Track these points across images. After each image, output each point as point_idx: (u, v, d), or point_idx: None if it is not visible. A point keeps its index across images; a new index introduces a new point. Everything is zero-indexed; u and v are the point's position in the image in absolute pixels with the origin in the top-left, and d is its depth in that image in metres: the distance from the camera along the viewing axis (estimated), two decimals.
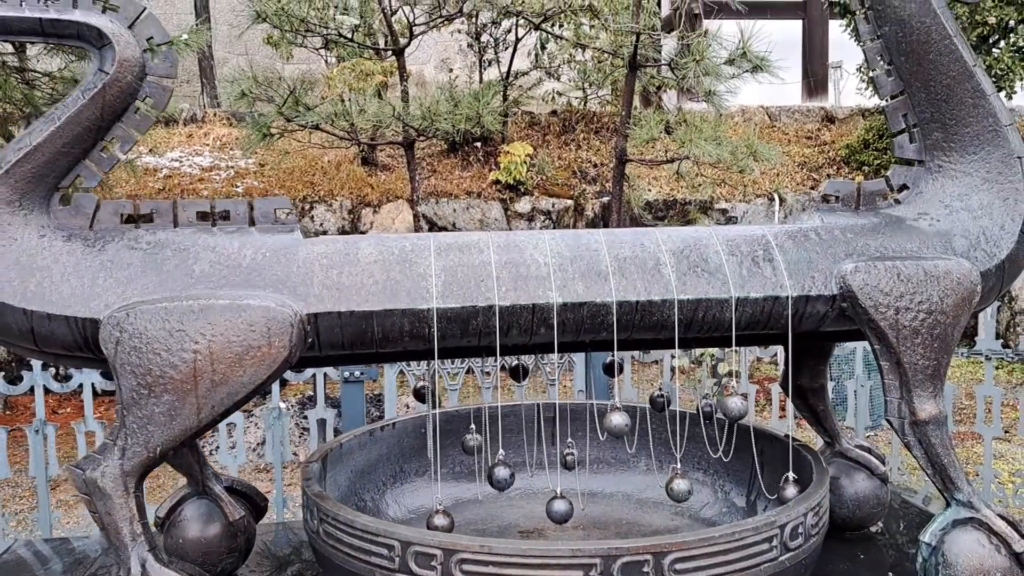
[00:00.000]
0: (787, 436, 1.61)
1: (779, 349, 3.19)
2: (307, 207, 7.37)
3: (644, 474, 1.86)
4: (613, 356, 1.50)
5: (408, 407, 4.03)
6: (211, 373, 1.26)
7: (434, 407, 1.71)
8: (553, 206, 7.70)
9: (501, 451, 1.46)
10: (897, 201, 1.61)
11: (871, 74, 1.64)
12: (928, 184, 1.60)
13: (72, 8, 1.39)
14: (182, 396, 1.26)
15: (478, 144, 7.78)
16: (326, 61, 8.15)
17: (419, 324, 1.36)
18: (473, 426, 1.73)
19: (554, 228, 7.72)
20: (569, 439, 1.74)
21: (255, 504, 1.71)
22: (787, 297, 1.41)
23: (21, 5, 1.37)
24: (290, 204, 1.48)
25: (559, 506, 1.37)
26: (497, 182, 7.83)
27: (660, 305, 1.39)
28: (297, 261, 1.37)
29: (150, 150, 7.81)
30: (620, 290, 1.39)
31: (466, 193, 7.83)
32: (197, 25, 8.40)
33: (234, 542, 1.61)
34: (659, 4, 7.51)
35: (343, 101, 5.57)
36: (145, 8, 1.42)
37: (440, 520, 1.35)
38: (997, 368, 4.24)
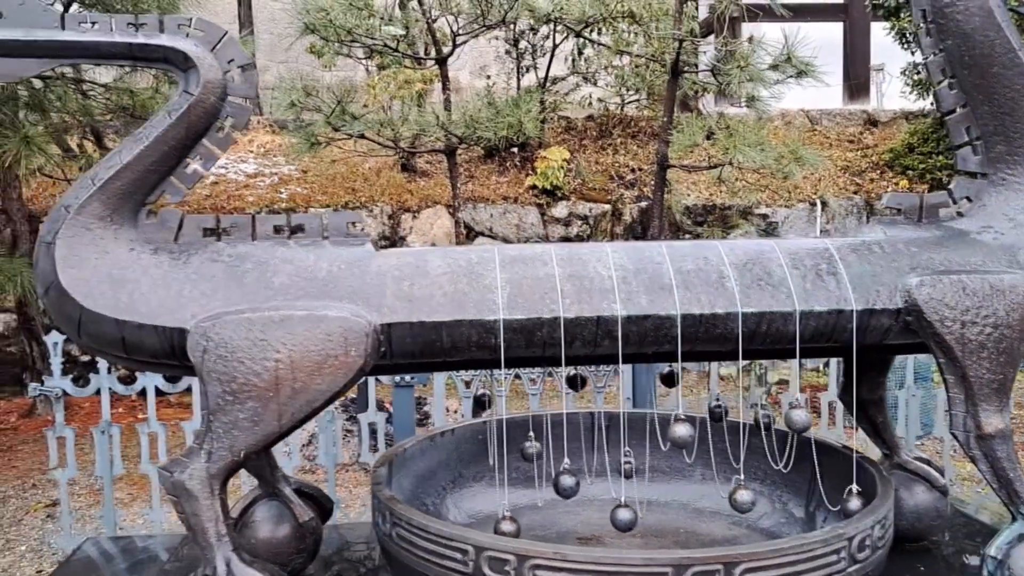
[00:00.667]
0: (848, 448, 1.62)
1: (827, 359, 3.17)
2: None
3: (700, 483, 1.87)
4: (677, 366, 1.52)
5: (448, 411, 4.08)
6: (292, 381, 1.32)
7: (491, 414, 1.75)
8: (590, 211, 7.72)
9: (566, 460, 1.49)
10: (960, 214, 1.61)
11: (935, 87, 1.64)
12: (992, 197, 1.60)
13: (159, 33, 1.46)
14: (265, 403, 1.32)
15: (515, 149, 7.82)
16: (367, 69, 8.27)
17: (486, 335, 1.40)
18: (532, 433, 1.77)
19: (591, 233, 7.74)
20: (626, 447, 1.77)
21: (322, 506, 1.77)
22: (851, 311, 1.43)
23: (112, 30, 1.44)
24: (361, 217, 1.54)
25: (623, 515, 1.40)
26: (534, 187, 7.87)
27: (724, 318, 1.42)
28: (370, 273, 1.42)
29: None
30: (684, 303, 1.41)
31: (503, 198, 7.89)
32: (243, 36, 8.59)
33: (303, 543, 1.66)
34: (696, 8, 7.49)
35: (385, 110, 5.66)
36: (227, 32, 1.49)
37: (507, 526, 1.39)
38: None
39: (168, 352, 1.39)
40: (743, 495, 1.41)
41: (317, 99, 4.85)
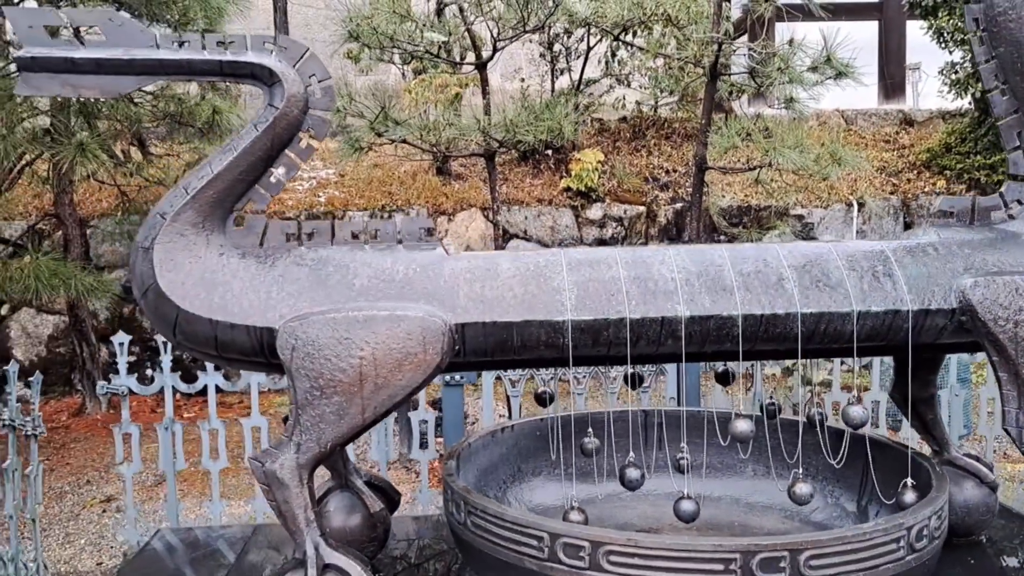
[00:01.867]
0: (901, 444, 1.67)
1: (870, 358, 3.19)
2: (385, 215, 7.61)
3: (752, 479, 1.93)
4: (737, 365, 1.59)
5: (498, 414, 4.16)
6: (375, 377, 1.41)
7: (552, 410, 1.82)
8: (625, 212, 7.76)
9: (632, 453, 1.56)
10: (1012, 217, 1.65)
11: (988, 92, 1.68)
12: None
13: (246, 51, 1.55)
14: (350, 397, 1.41)
15: (549, 152, 7.90)
16: (403, 74, 8.40)
17: (554, 334, 1.47)
18: (591, 429, 1.84)
19: (626, 235, 7.78)
20: (683, 443, 1.83)
21: (390, 498, 1.86)
22: (907, 311, 1.48)
23: (203, 49, 1.54)
24: (431, 223, 1.62)
25: (686, 506, 1.46)
26: (568, 189, 7.94)
27: (784, 318, 1.48)
28: (444, 275, 1.50)
29: None
30: (745, 304, 1.47)
31: (537, 200, 7.96)
32: None
33: (374, 532, 1.75)
34: (729, 8, 7.50)
35: (423, 115, 5.77)
36: (308, 49, 1.58)
37: (576, 516, 1.46)
38: None
39: (258, 350, 1.49)
40: (802, 488, 1.46)
41: (360, 105, 4.96)
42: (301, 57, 1.57)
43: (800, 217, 7.15)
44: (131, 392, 2.85)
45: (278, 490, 1.42)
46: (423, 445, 3.03)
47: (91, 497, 4.53)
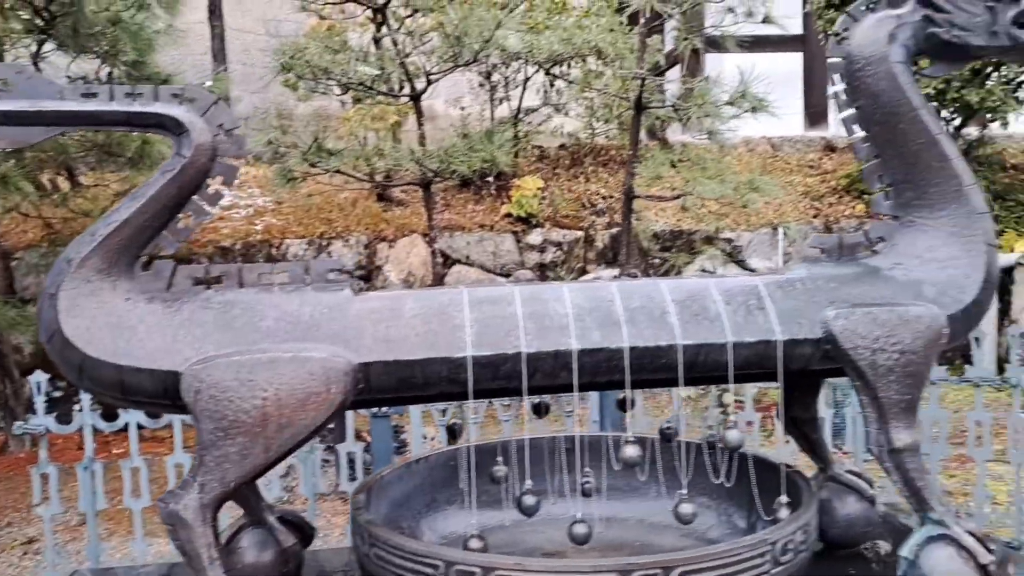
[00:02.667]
0: (784, 464, 1.79)
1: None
2: (324, 243, 7.62)
3: (655, 500, 2.03)
4: (626, 394, 1.69)
5: (425, 438, 4.21)
6: (278, 417, 1.47)
7: (463, 442, 1.90)
8: (564, 237, 7.92)
9: (528, 481, 1.65)
10: (875, 252, 1.81)
11: (851, 139, 1.84)
12: (902, 237, 1.79)
13: (154, 101, 1.61)
14: (253, 438, 1.46)
15: (490, 179, 8.02)
16: (341, 102, 8.44)
17: (456, 370, 1.56)
18: (500, 458, 1.92)
19: (565, 259, 7.94)
20: (587, 468, 1.93)
21: (304, 533, 1.90)
22: (777, 341, 1.61)
23: (111, 100, 1.60)
24: (342, 264, 1.70)
25: (579, 529, 1.56)
26: (509, 215, 8.07)
27: (667, 350, 1.59)
28: (350, 316, 1.58)
29: None
30: (632, 337, 1.59)
31: (479, 226, 8.07)
32: (218, 72, 8.74)
33: (286, 567, 1.80)
34: (663, 40, 7.79)
35: (362, 145, 5.83)
36: (217, 98, 1.65)
37: (475, 543, 1.54)
38: (999, 391, 4.37)
39: (163, 393, 1.53)
40: (685, 508, 1.57)
41: (293, 136, 5.00)
42: (210, 107, 1.63)
43: (729, 240, 7.41)
44: (48, 431, 2.83)
45: (182, 530, 1.46)
46: (354, 477, 3.07)
47: (12, 539, 4.40)
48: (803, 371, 1.69)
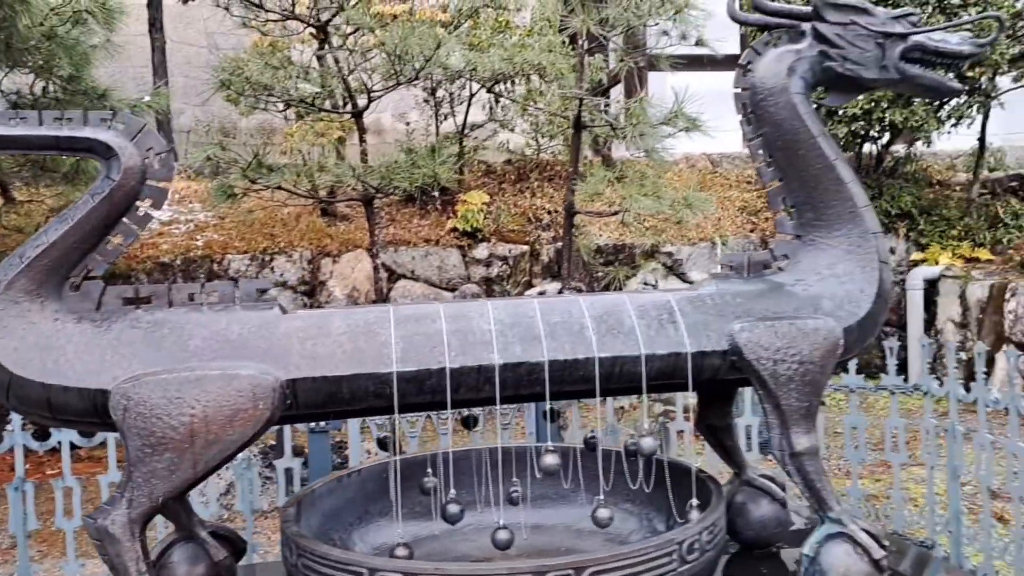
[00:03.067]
0: (697, 469, 1.90)
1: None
2: (267, 259, 7.56)
3: (581, 507, 2.11)
4: (547, 406, 1.78)
5: (369, 452, 4.23)
6: (206, 433, 1.51)
7: (395, 454, 1.96)
8: (510, 252, 8.02)
9: (452, 490, 1.72)
10: (780, 269, 1.94)
11: (755, 164, 1.97)
12: (803, 255, 1.93)
13: (83, 126, 1.64)
14: (181, 453, 1.50)
15: (435, 194, 8.08)
16: (285, 117, 8.41)
17: (381, 385, 1.62)
18: (430, 470, 1.98)
19: (511, 273, 8.03)
20: (514, 477, 2.00)
21: (235, 546, 1.93)
22: (687, 353, 1.72)
23: (40, 124, 1.62)
24: (271, 284, 1.74)
25: (502, 535, 1.63)
26: (455, 230, 8.13)
27: (584, 362, 1.68)
28: (277, 334, 1.63)
29: None
30: (551, 351, 1.67)
31: (424, 241, 8.11)
32: (157, 86, 8.62)
33: None
34: (606, 59, 7.98)
35: (304, 161, 5.83)
36: (146, 124, 1.69)
37: (401, 551, 1.60)
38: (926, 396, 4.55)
39: (91, 411, 1.56)
40: (601, 512, 1.66)
41: (233, 151, 4.99)
42: (139, 131, 1.67)
43: (669, 254, 7.62)
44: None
45: (110, 545, 1.49)
46: (290, 492, 3.07)
47: None
48: (713, 381, 1.80)
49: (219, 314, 1.66)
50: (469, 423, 2.00)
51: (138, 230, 1.69)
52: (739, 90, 1.97)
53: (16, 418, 2.83)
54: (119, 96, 5.67)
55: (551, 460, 1.67)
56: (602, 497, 1.71)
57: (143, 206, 1.68)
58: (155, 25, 10.01)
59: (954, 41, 1.99)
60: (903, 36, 1.94)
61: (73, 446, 2.88)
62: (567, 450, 2.00)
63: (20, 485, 2.80)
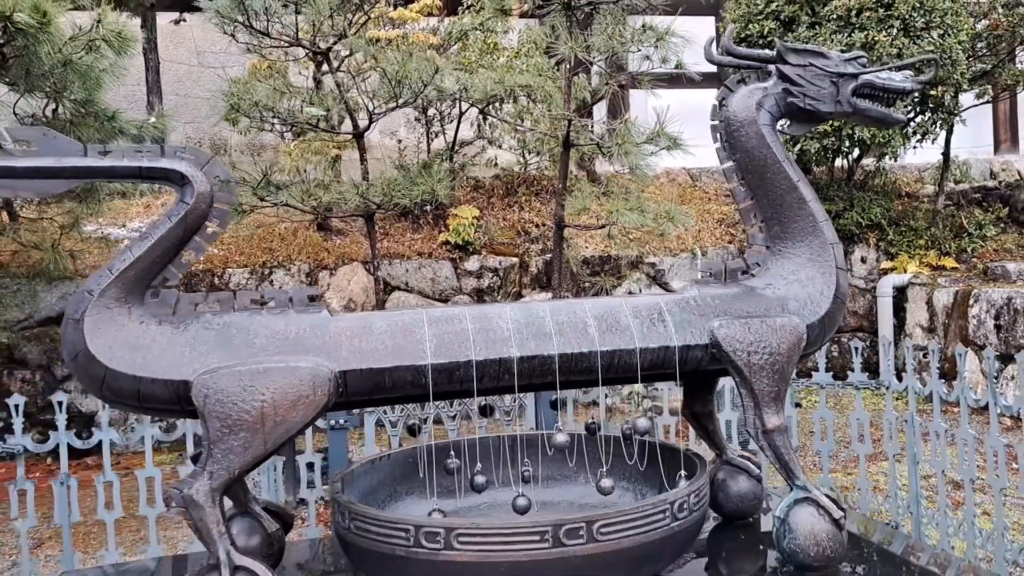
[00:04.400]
0: (686, 449, 2.21)
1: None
2: (267, 272, 7.82)
3: (583, 485, 2.41)
4: (556, 395, 2.08)
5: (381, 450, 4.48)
6: (274, 416, 1.79)
7: (421, 440, 2.24)
8: (500, 264, 8.33)
9: (479, 465, 2.01)
10: (753, 275, 2.26)
11: (730, 186, 2.30)
12: (772, 263, 2.25)
13: (160, 157, 1.93)
14: (253, 433, 1.78)
15: (428, 208, 8.38)
16: (281, 135, 8.69)
17: (418, 376, 1.92)
18: (453, 452, 2.27)
19: (501, 284, 8.34)
20: (526, 459, 2.30)
21: (284, 521, 2.21)
22: (674, 346, 2.03)
23: (123, 157, 1.91)
24: (318, 291, 2.03)
25: (521, 502, 1.92)
26: (447, 243, 8.44)
27: (588, 355, 1.99)
28: (329, 333, 1.92)
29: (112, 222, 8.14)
30: (560, 345, 1.97)
31: (417, 254, 8.40)
32: (151, 102, 8.87)
33: (271, 549, 2.10)
34: (589, 79, 8.35)
35: (302, 178, 6.11)
36: (213, 156, 1.98)
37: (436, 516, 1.88)
38: (896, 398, 4.89)
39: (174, 400, 1.83)
40: (605, 482, 1.96)
41: (240, 171, 5.26)
42: (207, 162, 1.96)
43: (653, 265, 7.96)
44: (26, 450, 3.02)
45: (194, 510, 1.77)
46: (311, 484, 3.35)
47: None
48: (696, 371, 2.11)
49: (277, 317, 1.95)
50: (486, 411, 2.29)
51: (206, 246, 1.98)
52: (715, 122, 2.29)
53: (62, 420, 3.08)
54: (127, 118, 5.93)
55: (561, 438, 1.97)
56: (604, 469, 2.00)
57: (210, 225, 1.97)
58: (150, 45, 10.26)
59: (898, 79, 2.33)
60: (854, 75, 2.27)
61: (112, 444, 3.14)
62: (571, 435, 2.29)
63: (65, 480, 3.04)
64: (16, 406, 3.03)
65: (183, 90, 13.07)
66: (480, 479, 2.00)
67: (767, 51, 2.31)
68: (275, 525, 2.11)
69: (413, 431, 2.25)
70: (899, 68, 2.38)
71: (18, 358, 6.62)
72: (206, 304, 1.96)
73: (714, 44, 2.38)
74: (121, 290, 1.88)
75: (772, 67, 2.28)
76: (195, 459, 2.05)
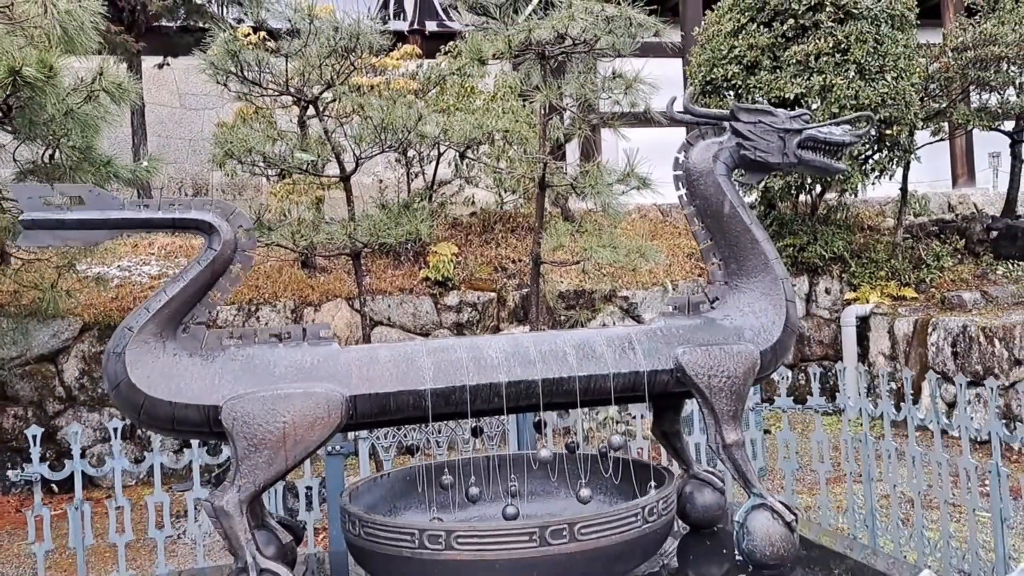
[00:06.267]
0: (657, 464, 2.48)
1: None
2: (253, 308, 8.01)
3: (564, 500, 2.66)
4: (540, 416, 2.35)
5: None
6: (294, 435, 2.04)
7: (417, 459, 2.49)
8: (478, 299, 8.61)
9: (472, 478, 2.26)
10: (712, 308, 2.56)
11: (692, 229, 2.61)
12: (730, 297, 2.55)
13: (190, 209, 2.19)
14: (276, 451, 2.02)
15: (409, 246, 8.66)
16: (266, 176, 8.95)
17: (419, 399, 2.18)
18: (447, 470, 2.52)
19: (480, 318, 8.61)
20: (512, 475, 2.55)
21: (295, 533, 2.43)
22: (644, 371, 2.31)
23: (159, 209, 2.17)
24: (330, 327, 2.29)
25: (510, 510, 2.18)
26: (427, 279, 8.71)
27: (567, 380, 2.26)
28: (340, 362, 2.17)
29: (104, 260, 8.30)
30: (543, 371, 2.25)
31: (399, 290, 8.66)
32: (147, 153, 9.11)
33: (286, 558, 2.32)
34: (562, 118, 8.74)
35: (289, 215, 6.37)
36: (237, 207, 2.24)
37: (436, 523, 2.13)
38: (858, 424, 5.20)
39: (205, 422, 2.07)
40: (584, 492, 2.23)
41: None
42: (232, 212, 2.23)
43: (625, 298, 8.29)
44: (43, 478, 3.21)
45: (224, 519, 2.00)
46: (309, 507, 3.56)
47: None
48: (664, 394, 2.40)
49: (293, 349, 2.20)
50: (477, 432, 2.54)
51: (231, 287, 2.23)
52: (678, 172, 2.61)
53: (76, 449, 3.28)
54: (120, 165, 6.16)
55: (545, 454, 2.24)
56: (584, 481, 2.27)
57: (235, 269, 2.22)
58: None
59: (838, 132, 2.67)
60: (799, 131, 2.61)
61: (124, 471, 3.33)
62: (554, 453, 2.55)
63: (79, 505, 3.23)
64: (34, 436, 3.22)
65: (165, 131, 13.35)
66: (474, 490, 2.26)
67: (722, 110, 2.64)
68: (288, 537, 2.34)
69: (411, 451, 2.50)
70: (838, 123, 2.72)
71: (10, 395, 6.73)
72: (231, 339, 2.21)
73: (675, 103, 2.70)
74: (157, 326, 2.12)
75: (726, 124, 2.60)
76: (218, 479, 2.28)
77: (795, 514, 2.32)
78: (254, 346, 2.19)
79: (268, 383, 2.09)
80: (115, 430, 3.33)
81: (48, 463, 3.43)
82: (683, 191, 2.60)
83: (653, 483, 2.29)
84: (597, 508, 2.42)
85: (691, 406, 3.69)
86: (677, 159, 2.62)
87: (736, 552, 2.32)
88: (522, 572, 1.95)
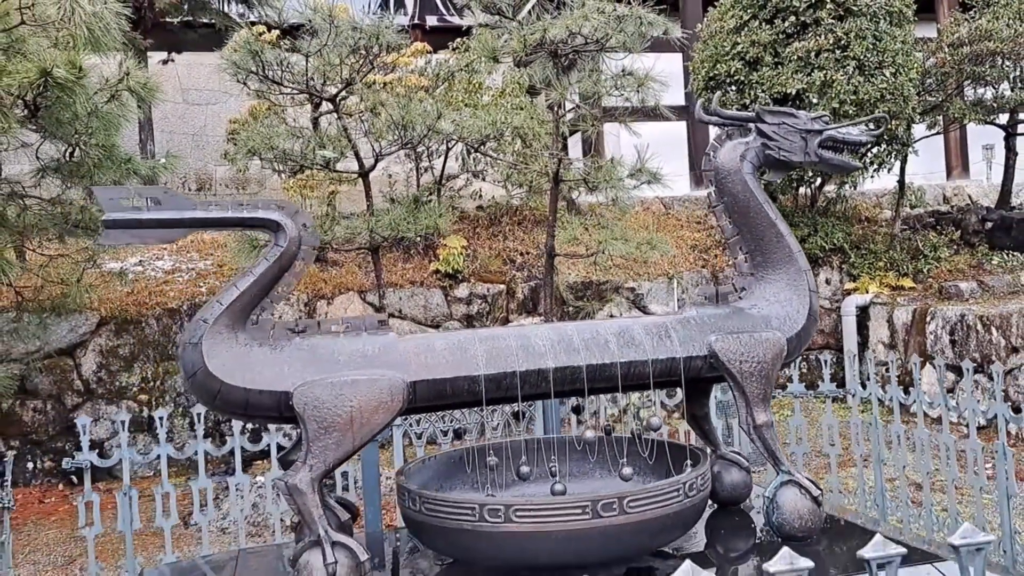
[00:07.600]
0: (690, 444, 2.64)
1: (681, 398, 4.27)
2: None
3: (600, 480, 2.82)
4: (584, 401, 2.51)
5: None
6: (360, 418, 2.19)
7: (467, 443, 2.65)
8: (488, 291, 8.76)
9: (523, 457, 2.43)
10: (740, 298, 2.72)
11: (719, 224, 2.77)
12: (757, 287, 2.71)
13: (258, 208, 2.34)
14: (344, 433, 2.18)
15: (419, 239, 8.80)
16: (278, 173, 9.07)
17: (473, 384, 2.33)
18: (491, 452, 2.68)
19: (489, 310, 8.76)
20: (554, 456, 2.72)
21: (352, 511, 2.59)
22: (679, 358, 2.47)
23: (228, 210, 2.31)
24: (385, 318, 2.44)
25: (558, 487, 2.34)
26: (437, 271, 8.85)
27: (609, 366, 2.42)
28: (399, 351, 2.33)
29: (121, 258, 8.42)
30: (587, 358, 2.41)
31: (410, 283, 8.80)
32: (154, 150, 9.21)
33: (344, 534, 2.48)
34: (565, 114, 8.89)
35: (307, 211, 6.50)
36: (299, 208, 2.39)
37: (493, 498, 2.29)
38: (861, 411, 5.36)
39: (275, 407, 2.23)
40: (625, 470, 2.39)
41: None
42: (296, 212, 2.38)
43: (632, 289, 8.46)
44: (92, 465, 3.36)
45: (297, 496, 2.15)
46: (347, 489, 3.72)
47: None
48: (696, 378, 2.56)
49: (354, 339, 2.35)
50: (519, 416, 2.70)
51: (295, 281, 2.38)
52: (707, 171, 2.77)
53: (123, 436, 3.42)
54: (141, 163, 6.28)
55: (591, 435, 2.40)
56: (624, 461, 2.43)
57: (299, 264, 2.37)
58: None
59: (856, 133, 2.83)
60: (820, 131, 2.77)
61: (170, 460, 3.48)
62: (596, 436, 2.72)
63: (127, 491, 3.38)
64: (84, 425, 3.37)
65: (169, 126, 13.44)
66: (525, 468, 2.42)
67: (747, 113, 2.80)
68: (347, 514, 2.50)
69: (459, 434, 2.66)
70: (856, 124, 2.88)
71: (30, 388, 6.86)
72: (296, 330, 2.36)
73: (703, 107, 2.86)
74: (229, 318, 2.27)
75: (752, 125, 2.76)
76: (284, 460, 2.43)
77: (821, 490, 2.49)
78: (317, 336, 2.34)
79: (333, 370, 2.25)
80: (160, 419, 3.48)
81: (70, 455, 3.57)
82: (712, 188, 2.75)
83: (689, 461, 2.46)
84: (635, 485, 2.58)
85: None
86: (706, 157, 2.78)
87: (765, 525, 2.49)
88: (575, 542, 2.12)
